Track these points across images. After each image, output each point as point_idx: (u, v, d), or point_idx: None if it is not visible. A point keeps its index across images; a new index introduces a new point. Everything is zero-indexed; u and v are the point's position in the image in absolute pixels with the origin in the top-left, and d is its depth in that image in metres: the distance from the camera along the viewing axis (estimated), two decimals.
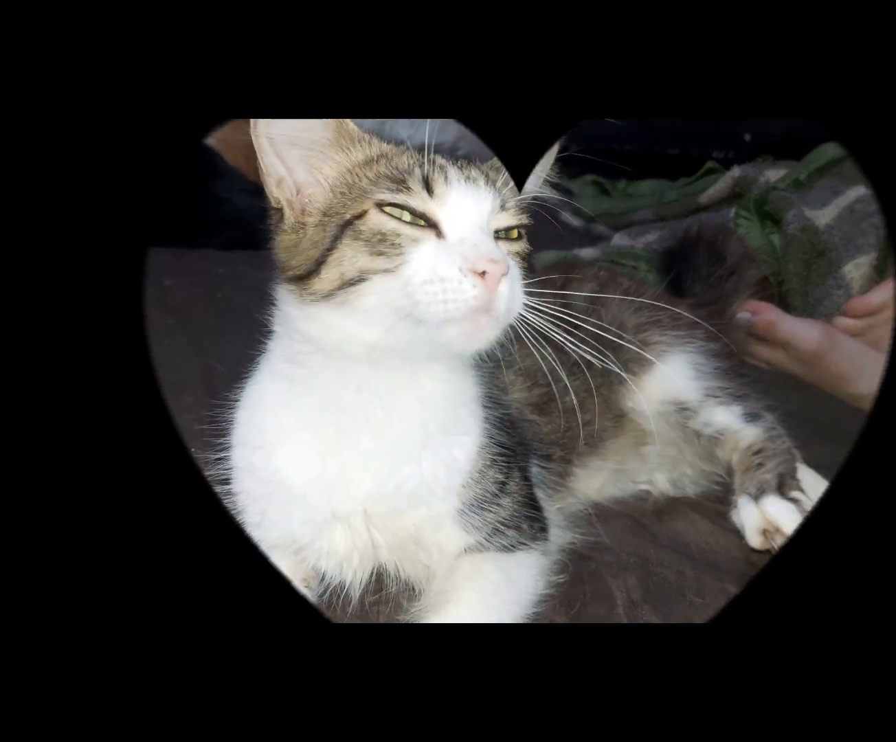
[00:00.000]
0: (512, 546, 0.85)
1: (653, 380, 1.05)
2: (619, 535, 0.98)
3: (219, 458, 0.88)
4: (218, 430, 0.88)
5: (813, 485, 1.08)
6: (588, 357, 0.85)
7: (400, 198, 0.75)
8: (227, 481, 0.86)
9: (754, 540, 0.89)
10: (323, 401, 0.80)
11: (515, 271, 0.76)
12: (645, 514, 1.04)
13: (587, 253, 1.97)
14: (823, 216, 1.67)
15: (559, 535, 0.93)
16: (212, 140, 2.12)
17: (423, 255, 0.73)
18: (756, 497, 0.92)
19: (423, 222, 0.75)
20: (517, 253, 0.80)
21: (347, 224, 0.75)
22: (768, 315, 1.47)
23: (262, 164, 0.78)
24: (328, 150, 0.79)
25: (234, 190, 2.04)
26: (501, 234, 0.80)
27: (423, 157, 0.79)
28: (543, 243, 2.04)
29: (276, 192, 0.80)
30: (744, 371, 1.14)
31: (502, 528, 0.84)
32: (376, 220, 0.74)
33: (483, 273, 0.70)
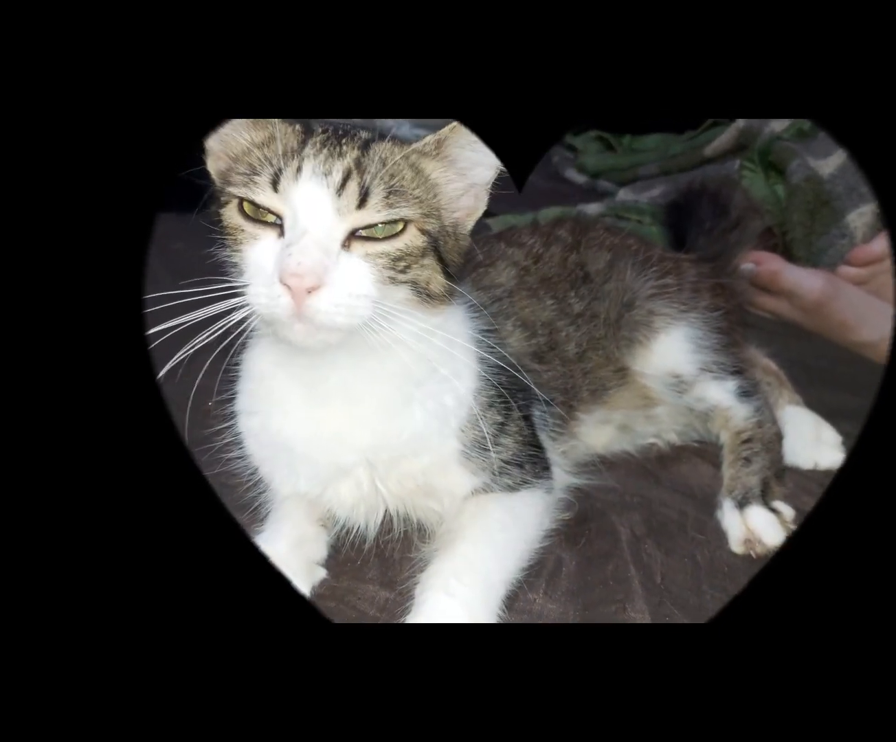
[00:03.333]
0: (516, 485, 0.88)
1: (657, 349, 1.06)
2: (622, 478, 1.01)
3: (228, 425, 0.91)
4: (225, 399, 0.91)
5: (814, 426, 1.11)
6: None
7: (242, 191, 0.74)
8: (238, 444, 0.90)
9: (737, 548, 0.91)
10: (307, 370, 0.82)
11: (352, 276, 0.72)
12: (649, 460, 1.07)
13: (592, 208, 1.98)
14: (827, 166, 1.67)
15: (563, 477, 0.96)
16: None
17: (256, 255, 0.73)
18: (741, 505, 0.94)
19: (271, 218, 0.74)
20: (384, 254, 0.74)
21: (217, 213, 0.77)
22: (772, 265, 1.48)
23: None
24: (241, 126, 0.79)
25: None
26: (363, 233, 0.74)
27: (304, 142, 0.76)
28: (546, 200, 2.05)
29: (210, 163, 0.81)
30: (740, 347, 1.15)
31: (506, 467, 0.87)
32: (228, 213, 0.76)
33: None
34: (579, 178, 2.53)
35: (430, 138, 0.79)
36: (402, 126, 2.65)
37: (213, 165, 0.82)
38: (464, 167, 0.80)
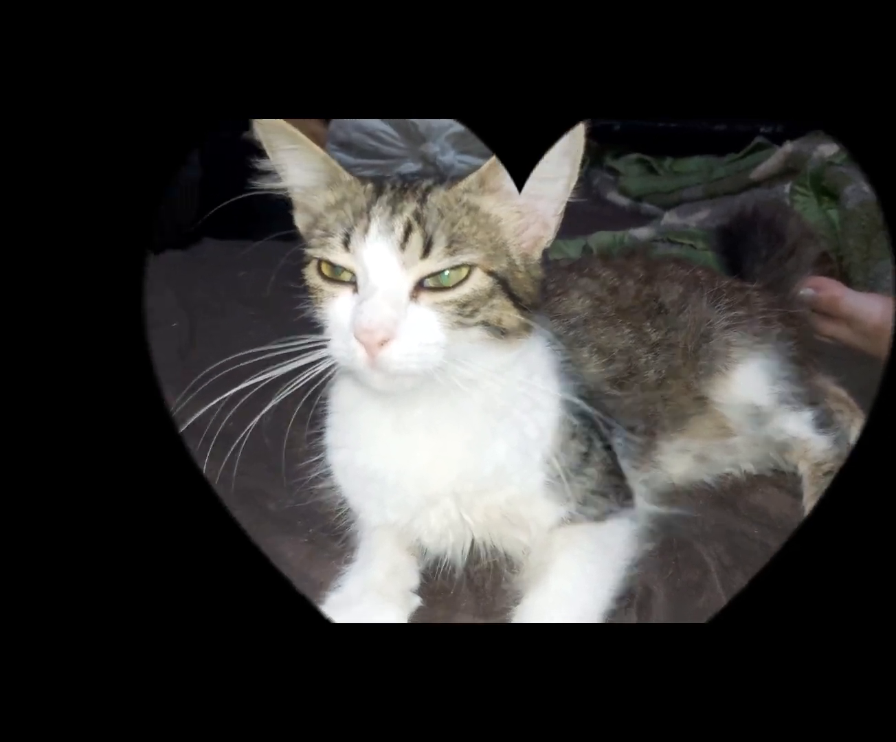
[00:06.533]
0: (602, 515, 0.88)
1: (737, 379, 1.06)
2: (701, 508, 1.01)
3: (319, 458, 0.95)
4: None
5: None
6: None
7: (319, 252, 0.79)
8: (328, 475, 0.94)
9: None
10: (393, 402, 0.84)
11: (421, 327, 0.75)
12: (724, 490, 1.07)
13: (641, 232, 1.98)
14: None
15: (645, 506, 0.96)
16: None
17: (335, 312, 0.79)
18: None
19: (347, 275, 0.78)
20: (451, 301, 0.76)
21: (301, 272, 0.82)
22: (832, 290, 1.48)
23: None
24: (321, 185, 0.83)
25: None
26: (430, 282, 0.76)
27: (374, 200, 0.78)
28: (591, 223, 2.06)
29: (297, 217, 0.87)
30: (813, 376, 1.14)
31: (591, 497, 0.88)
32: (309, 273, 0.81)
33: None
34: (622, 201, 2.55)
35: (475, 174, 0.80)
36: (447, 152, 2.67)
37: (300, 219, 0.86)
38: (521, 196, 0.80)
